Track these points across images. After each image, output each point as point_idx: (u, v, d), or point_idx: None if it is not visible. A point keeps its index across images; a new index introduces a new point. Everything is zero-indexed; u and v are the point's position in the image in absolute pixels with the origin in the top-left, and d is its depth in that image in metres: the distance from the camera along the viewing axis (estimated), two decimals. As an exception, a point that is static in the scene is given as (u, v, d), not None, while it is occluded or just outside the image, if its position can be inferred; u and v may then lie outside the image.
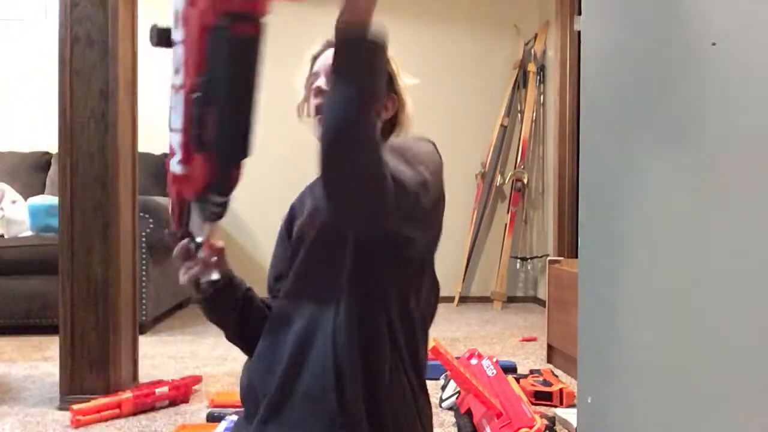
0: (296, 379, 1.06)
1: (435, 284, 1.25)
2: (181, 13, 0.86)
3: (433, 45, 4.57)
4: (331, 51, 0.97)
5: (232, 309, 1.20)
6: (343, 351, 1.04)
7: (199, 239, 1.04)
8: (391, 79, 1.19)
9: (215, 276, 1.11)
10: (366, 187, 0.88)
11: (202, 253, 1.06)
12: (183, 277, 1.12)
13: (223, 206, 0.92)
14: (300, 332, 1.09)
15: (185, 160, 0.89)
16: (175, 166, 0.91)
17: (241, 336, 1.22)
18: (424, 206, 1.03)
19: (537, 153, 4.56)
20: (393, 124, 1.23)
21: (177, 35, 0.87)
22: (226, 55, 0.81)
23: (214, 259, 1.10)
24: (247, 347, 1.22)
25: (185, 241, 1.06)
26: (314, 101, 1.16)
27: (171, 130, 0.91)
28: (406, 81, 1.22)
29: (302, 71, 1.23)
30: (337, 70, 0.87)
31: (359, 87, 0.87)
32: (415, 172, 0.99)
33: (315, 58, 1.21)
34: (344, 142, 0.87)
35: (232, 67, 0.82)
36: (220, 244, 1.12)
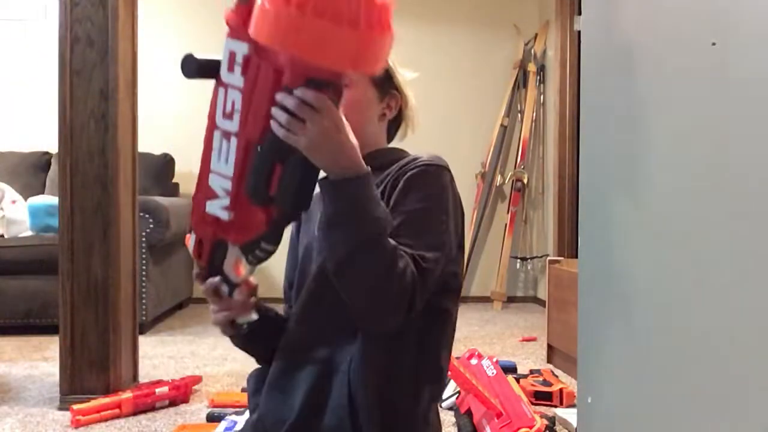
0: (318, 413, 1.01)
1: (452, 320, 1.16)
2: (243, 57, 0.84)
3: (433, 45, 4.57)
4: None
5: (267, 339, 1.13)
6: (357, 389, 1.00)
7: (235, 280, 0.99)
8: (390, 77, 1.16)
9: (254, 316, 1.06)
10: (391, 311, 0.95)
11: (238, 295, 1.01)
12: (216, 318, 1.06)
13: (271, 254, 0.93)
14: (321, 363, 1.04)
15: (234, 208, 0.90)
16: (218, 210, 0.91)
17: (268, 358, 1.15)
18: (451, 270, 1.06)
19: (537, 153, 4.56)
20: (398, 120, 1.21)
21: (232, 80, 0.86)
22: None
23: (252, 299, 1.05)
24: (265, 359, 1.16)
25: (216, 280, 0.99)
26: None
27: (214, 172, 0.90)
28: (405, 75, 1.20)
29: None
30: (333, 221, 0.92)
31: (360, 231, 0.92)
32: (434, 252, 0.99)
33: None
34: (365, 293, 0.94)
35: None
36: (254, 282, 1.05)
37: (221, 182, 0.90)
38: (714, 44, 0.77)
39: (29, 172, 4.06)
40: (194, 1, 4.47)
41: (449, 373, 1.95)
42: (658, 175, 0.90)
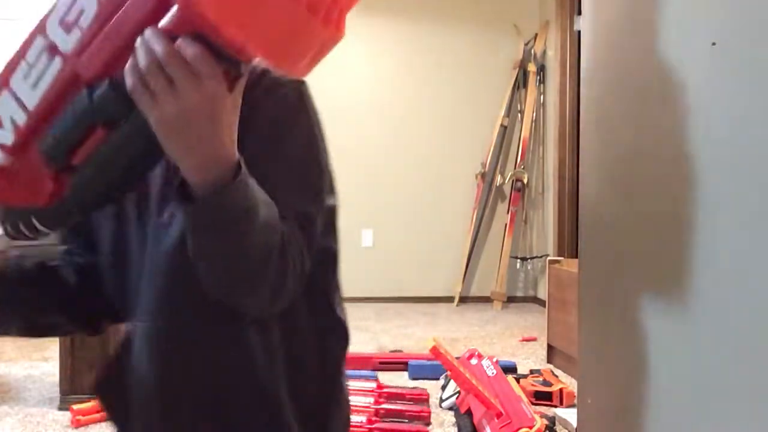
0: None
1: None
2: None
3: (433, 45, 4.57)
4: None
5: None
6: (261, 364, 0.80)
7: None
8: None
9: None
10: (292, 293, 0.76)
11: None
12: None
13: (37, 237, 0.69)
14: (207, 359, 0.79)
15: (15, 152, 0.65)
16: None
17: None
18: (329, 205, 0.86)
19: (537, 153, 4.56)
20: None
21: None
22: None
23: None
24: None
25: None
26: None
27: (11, 90, 0.64)
28: None
29: None
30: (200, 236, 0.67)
31: (235, 242, 0.67)
32: (316, 203, 0.82)
33: None
34: (241, 296, 0.73)
35: None
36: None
37: (14, 110, 0.64)
38: (714, 44, 0.77)
39: None
40: None
41: (449, 373, 1.96)
42: (657, 174, 0.90)
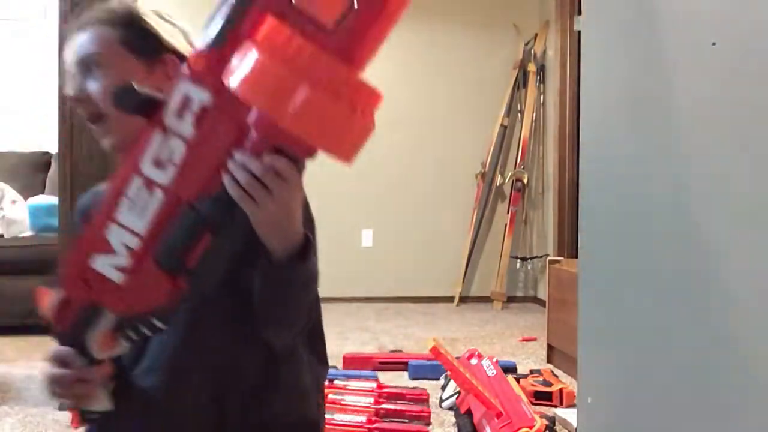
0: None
1: None
2: (201, 106, 0.72)
3: (432, 45, 4.57)
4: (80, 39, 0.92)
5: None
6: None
7: (97, 355, 0.81)
8: (149, 40, 0.98)
9: (108, 405, 0.86)
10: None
11: (92, 374, 0.82)
12: (60, 401, 0.87)
13: (155, 333, 0.78)
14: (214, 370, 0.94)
15: (132, 272, 0.76)
16: (108, 270, 0.76)
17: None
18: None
19: (537, 153, 4.56)
20: None
21: (180, 127, 0.73)
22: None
23: (108, 385, 0.86)
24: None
25: (70, 351, 0.81)
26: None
27: (119, 224, 0.75)
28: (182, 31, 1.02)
29: None
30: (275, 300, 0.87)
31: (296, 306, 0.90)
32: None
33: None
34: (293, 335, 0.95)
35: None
36: (110, 368, 0.86)
37: (125, 238, 0.75)
38: (714, 44, 0.77)
39: (29, 172, 4.06)
40: (195, 0, 4.47)
41: (449, 373, 1.96)
42: (657, 174, 0.90)
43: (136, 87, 0.75)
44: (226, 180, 0.72)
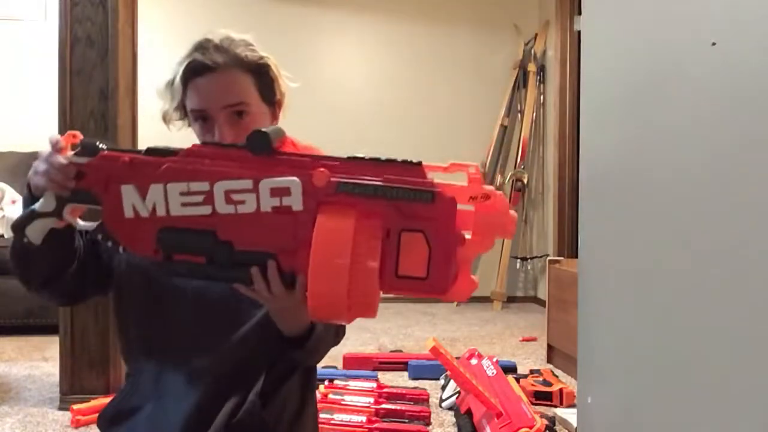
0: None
1: None
2: (290, 205, 0.79)
3: (433, 45, 4.57)
4: (213, 79, 1.01)
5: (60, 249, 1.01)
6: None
7: (82, 224, 0.93)
8: (276, 87, 1.09)
9: (39, 236, 0.92)
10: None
11: (71, 173, 0.90)
12: (36, 175, 0.94)
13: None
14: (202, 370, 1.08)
15: (134, 223, 0.84)
16: (126, 200, 0.84)
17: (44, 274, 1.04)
18: None
19: (537, 153, 4.56)
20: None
21: (264, 201, 0.80)
22: None
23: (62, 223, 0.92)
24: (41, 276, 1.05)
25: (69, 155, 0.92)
26: (196, 125, 1.07)
27: (165, 188, 0.83)
28: (287, 82, 1.12)
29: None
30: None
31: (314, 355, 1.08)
32: None
33: (188, 77, 1.04)
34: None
35: None
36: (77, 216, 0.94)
37: (151, 201, 0.84)
38: (714, 44, 0.77)
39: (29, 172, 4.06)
40: (195, 1, 4.47)
41: (449, 373, 1.96)
42: (658, 174, 0.90)
43: (270, 135, 0.82)
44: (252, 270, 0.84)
